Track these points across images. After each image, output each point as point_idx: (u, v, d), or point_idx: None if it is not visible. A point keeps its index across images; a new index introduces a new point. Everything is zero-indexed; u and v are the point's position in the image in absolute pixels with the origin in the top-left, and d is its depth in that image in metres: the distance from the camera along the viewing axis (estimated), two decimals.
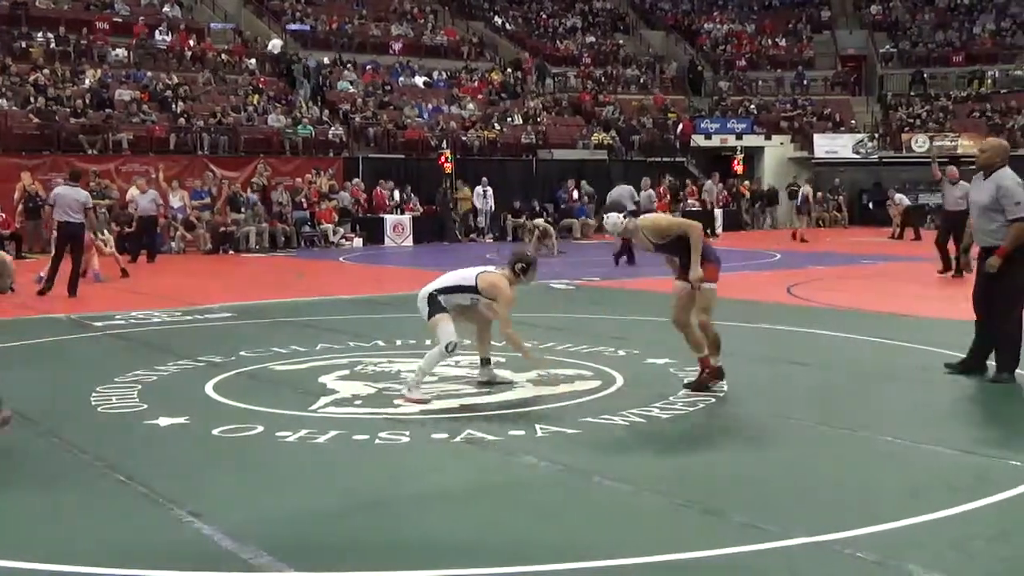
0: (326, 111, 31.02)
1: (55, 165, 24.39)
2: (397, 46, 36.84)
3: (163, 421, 7.06)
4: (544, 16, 43.65)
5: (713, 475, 5.85)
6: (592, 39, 42.63)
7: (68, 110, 26.28)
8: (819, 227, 33.50)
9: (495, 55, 39.34)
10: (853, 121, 39.21)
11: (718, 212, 31.87)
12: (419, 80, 35.28)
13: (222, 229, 24.53)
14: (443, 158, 28.91)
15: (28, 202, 22.76)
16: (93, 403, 7.68)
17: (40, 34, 29.62)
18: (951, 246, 16.39)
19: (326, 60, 33.97)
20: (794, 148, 38.41)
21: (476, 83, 36.03)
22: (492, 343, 8.29)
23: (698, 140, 37.14)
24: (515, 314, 8.22)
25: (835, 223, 33.99)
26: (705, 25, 45.14)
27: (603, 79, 39.77)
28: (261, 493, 5.55)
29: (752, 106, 39.72)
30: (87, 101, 26.97)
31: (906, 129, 38.05)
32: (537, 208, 27.62)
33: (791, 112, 39.52)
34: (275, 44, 33.71)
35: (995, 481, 5.54)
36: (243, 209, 25.08)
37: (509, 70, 37.76)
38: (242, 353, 9.75)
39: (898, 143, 37.58)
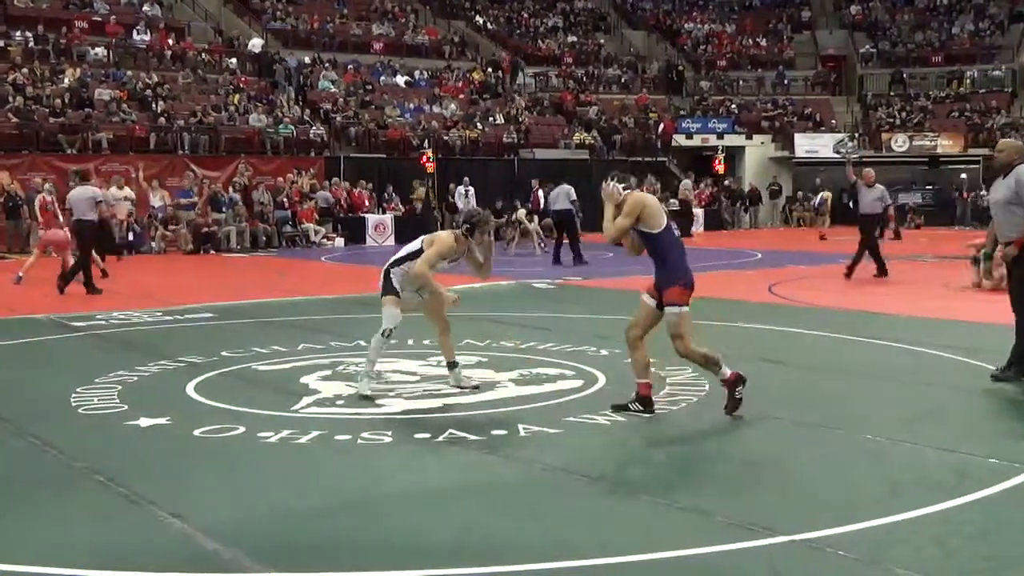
0: (307, 111, 30.95)
1: (34, 165, 24.28)
2: (378, 45, 36.79)
3: (144, 422, 7.03)
4: (525, 15, 43.67)
5: (695, 474, 5.87)
6: (573, 39, 42.68)
7: (47, 109, 26.13)
8: (800, 226, 33.63)
9: (476, 54, 39.33)
10: (833, 121, 39.39)
11: (698, 211, 31.92)
12: (400, 80, 35.23)
13: (203, 229, 24.44)
14: (425, 158, 28.88)
15: (8, 201, 22.62)
16: (74, 404, 7.63)
17: (19, 33, 29.42)
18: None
19: (307, 59, 33.89)
20: (775, 148, 38.57)
21: (459, 83, 36.02)
22: (476, 342, 8.28)
23: (679, 140, 37.24)
24: (499, 312, 8.21)
25: (814, 223, 34.09)
26: (686, 25, 45.25)
27: (584, 79, 39.82)
28: (243, 494, 5.53)
29: (733, 106, 39.86)
30: (66, 100, 26.82)
31: (886, 129, 38.26)
32: (519, 207, 27.59)
33: (772, 112, 39.67)
34: (255, 43, 33.60)
35: (975, 479, 5.57)
36: (224, 209, 25.00)
37: (490, 69, 37.76)
38: (224, 353, 9.71)
39: (878, 143, 37.78)
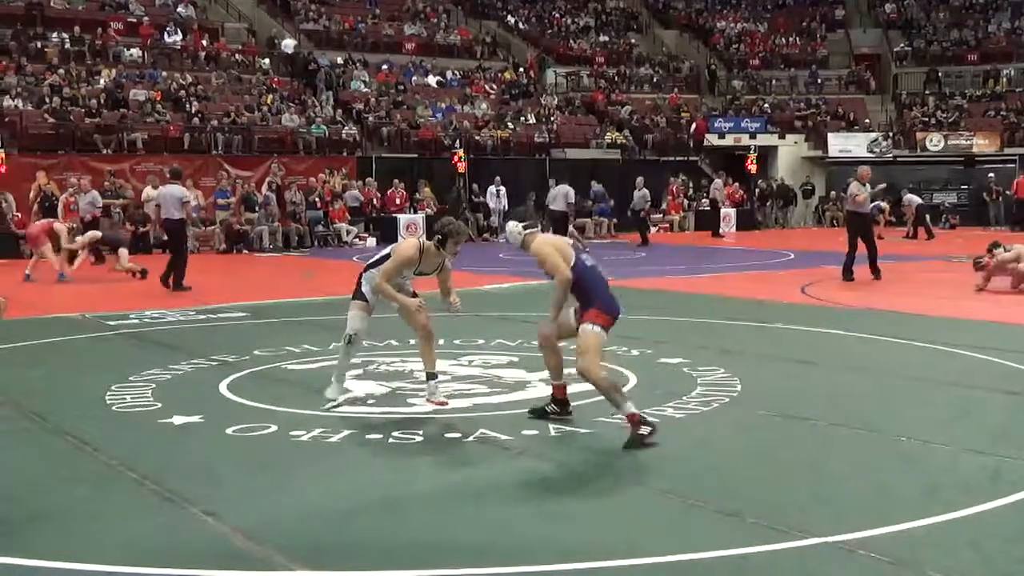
0: (339, 111, 31.07)
1: (70, 165, 24.51)
2: (410, 45, 36.87)
3: (177, 420, 7.09)
4: (557, 15, 43.62)
5: (727, 475, 5.84)
6: (605, 38, 42.60)
7: (83, 110, 26.38)
8: (833, 226, 33.40)
9: (508, 54, 39.35)
10: (867, 120, 39.09)
11: (731, 211, 31.79)
12: (432, 80, 35.31)
13: (236, 228, 24.58)
14: (456, 157, 28.93)
15: (44, 201, 22.84)
16: (108, 402, 7.71)
17: (55, 34, 29.74)
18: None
19: (339, 60, 34.05)
20: (808, 147, 38.32)
21: (492, 83, 36.04)
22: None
23: (712, 139, 37.09)
24: (530, 312, 8.20)
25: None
26: (718, 24, 45.04)
27: (616, 78, 39.73)
28: (275, 492, 5.56)
29: (766, 105, 39.64)
30: (102, 101, 27.07)
31: (920, 128, 37.94)
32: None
33: (805, 111, 39.41)
34: (287, 44, 33.80)
35: (1011, 481, 5.52)
36: (257, 209, 25.14)
37: (522, 69, 37.79)
38: (256, 352, 9.77)
39: (912, 142, 37.46)
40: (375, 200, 27.92)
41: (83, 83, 27.81)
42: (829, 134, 37.78)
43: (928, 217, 29.25)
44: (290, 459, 6.25)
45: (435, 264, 7.45)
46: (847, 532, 4.70)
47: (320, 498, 5.43)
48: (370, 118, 30.94)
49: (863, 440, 6.57)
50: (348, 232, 26.45)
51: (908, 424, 6.92)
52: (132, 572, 4.39)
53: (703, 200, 32.70)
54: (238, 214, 25.02)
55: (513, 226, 7.09)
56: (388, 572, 4.39)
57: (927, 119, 38.51)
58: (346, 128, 29.87)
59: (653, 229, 31.67)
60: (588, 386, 8.12)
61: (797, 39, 43.97)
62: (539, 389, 8.04)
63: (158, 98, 28.04)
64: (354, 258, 22.79)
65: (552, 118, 34.44)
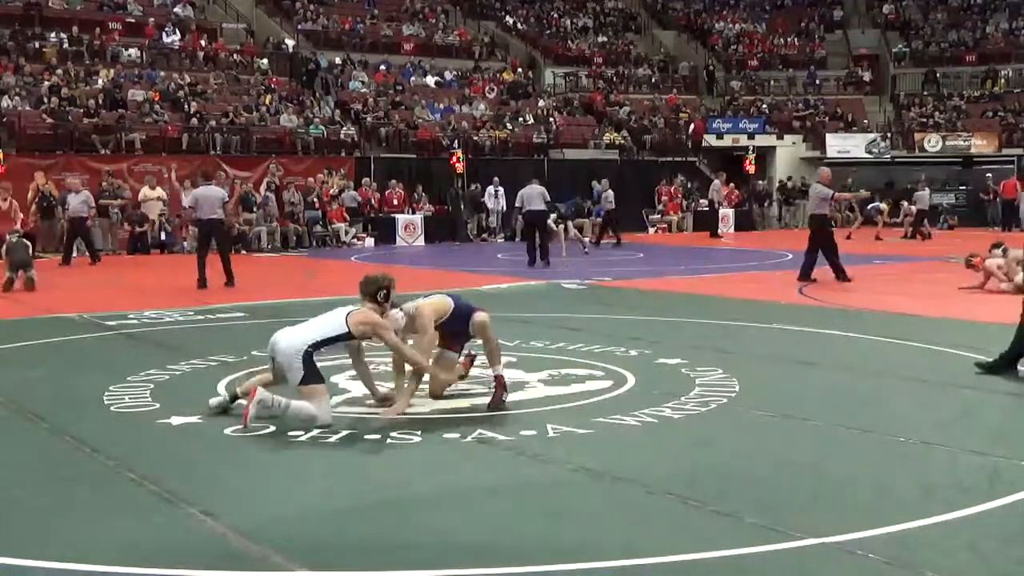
0: (338, 111, 31.08)
1: (68, 165, 24.52)
2: (409, 46, 36.90)
3: (175, 420, 7.08)
4: (556, 16, 43.65)
5: (725, 475, 5.84)
6: (604, 39, 42.63)
7: (81, 110, 26.38)
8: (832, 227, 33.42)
9: (506, 55, 39.37)
10: (866, 121, 39.12)
11: (728, 212, 31.81)
12: (430, 80, 35.32)
13: (234, 229, 24.57)
14: (455, 158, 28.94)
15: (42, 201, 22.85)
16: (107, 402, 7.70)
17: (53, 34, 29.75)
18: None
19: (338, 60, 34.06)
20: (806, 148, 38.35)
21: (490, 83, 36.05)
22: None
23: (710, 140, 37.11)
24: (528, 313, 8.21)
25: (848, 223, 33.87)
26: (717, 24, 45.08)
27: (615, 79, 39.76)
28: (273, 492, 5.56)
29: (764, 106, 39.67)
30: (100, 101, 27.07)
31: (918, 129, 37.96)
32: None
33: (803, 112, 39.45)
34: (286, 44, 33.86)
35: (1009, 482, 5.52)
36: (255, 209, 25.13)
37: (520, 70, 37.81)
38: (254, 352, 9.74)
39: (911, 143, 37.49)
40: (373, 200, 27.94)
41: (81, 83, 27.82)
42: (827, 135, 37.83)
43: (926, 220, 29.29)
44: (289, 459, 6.25)
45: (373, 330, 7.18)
46: (845, 532, 4.70)
47: (319, 498, 5.43)
48: (368, 118, 30.96)
49: (861, 440, 6.57)
50: (346, 232, 26.47)
51: (906, 424, 6.92)
52: (131, 572, 4.39)
53: (701, 201, 32.72)
54: (236, 214, 25.01)
55: (396, 312, 7.36)
56: (387, 572, 4.39)
57: (925, 120, 38.55)
58: (344, 128, 29.87)
59: (651, 230, 31.72)
60: (587, 386, 8.14)
61: (795, 40, 44.01)
62: (538, 389, 8.05)
63: (156, 98, 28.06)
64: (352, 258, 22.82)
65: (550, 118, 34.45)
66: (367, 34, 36.91)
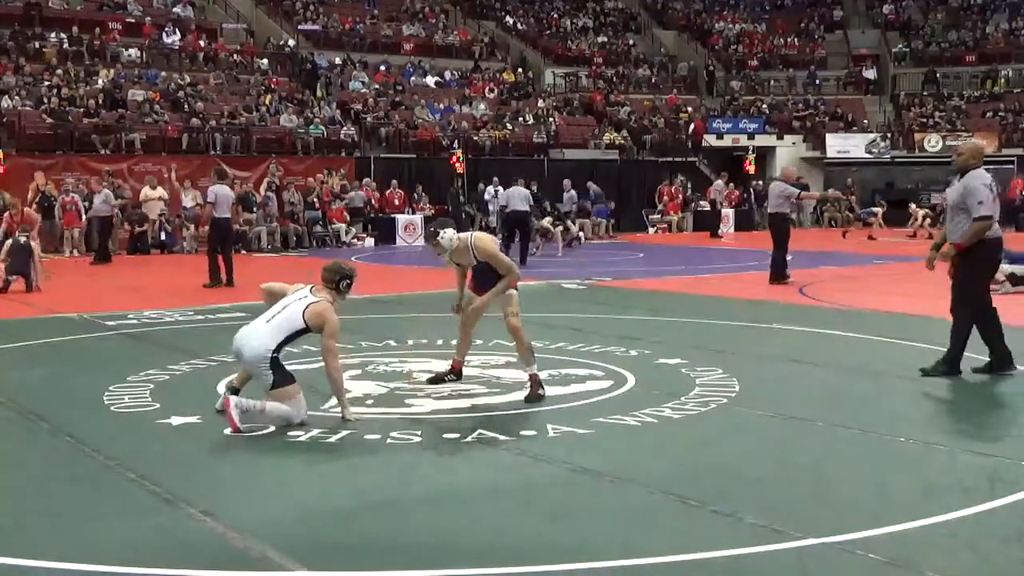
0: (338, 111, 31.08)
1: (68, 165, 24.53)
2: (409, 46, 36.90)
3: (175, 420, 7.08)
4: (556, 16, 43.65)
5: (725, 475, 5.84)
6: (604, 39, 42.63)
7: (81, 110, 26.38)
8: (831, 227, 33.45)
9: (506, 55, 39.37)
10: (865, 121, 39.12)
11: (729, 212, 31.81)
12: (430, 80, 35.32)
13: (234, 229, 24.57)
14: (455, 158, 28.94)
15: (43, 202, 22.84)
16: (106, 402, 7.70)
17: (53, 35, 29.74)
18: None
19: (338, 60, 34.05)
20: (806, 148, 38.35)
21: (490, 83, 36.05)
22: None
23: (710, 140, 37.11)
24: (528, 313, 8.21)
25: (848, 223, 33.93)
26: (717, 25, 45.08)
27: (615, 79, 39.76)
28: (273, 492, 5.56)
29: (764, 106, 39.67)
30: (100, 101, 27.07)
31: (918, 129, 37.96)
32: (548, 208, 27.59)
33: (803, 112, 39.45)
34: (289, 44, 33.89)
35: (1009, 482, 5.52)
36: (255, 209, 25.13)
37: (520, 70, 37.82)
38: None
39: (911, 143, 37.49)
40: (373, 200, 27.94)
41: (81, 83, 27.82)
42: (827, 135, 37.82)
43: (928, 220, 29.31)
44: (289, 459, 6.25)
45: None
46: (845, 532, 4.70)
47: (318, 498, 5.43)
48: (368, 118, 30.95)
49: (861, 440, 6.57)
50: (346, 232, 26.46)
51: (906, 424, 6.92)
52: (131, 572, 4.39)
53: (701, 201, 32.71)
54: (236, 214, 25.00)
55: (450, 233, 7.73)
56: (387, 572, 4.39)
57: (925, 120, 38.55)
58: (344, 128, 29.87)
59: (651, 230, 31.71)
60: (587, 386, 8.14)
61: (795, 40, 44.01)
62: None
63: (156, 98, 28.05)
64: (352, 258, 22.81)
65: (550, 118, 34.46)
66: (367, 34, 36.91)
